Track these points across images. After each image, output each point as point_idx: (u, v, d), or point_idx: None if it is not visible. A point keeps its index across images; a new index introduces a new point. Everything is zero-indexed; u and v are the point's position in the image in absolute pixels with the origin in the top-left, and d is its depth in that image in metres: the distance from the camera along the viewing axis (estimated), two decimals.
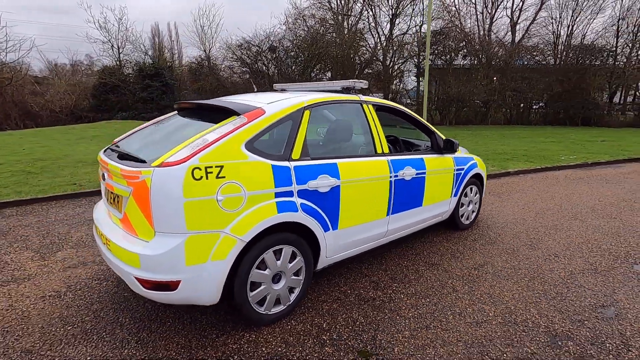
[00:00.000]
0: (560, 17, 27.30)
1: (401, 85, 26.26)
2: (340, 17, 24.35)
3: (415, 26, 24.54)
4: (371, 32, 24.90)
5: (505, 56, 23.44)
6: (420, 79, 24.51)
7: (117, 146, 2.50)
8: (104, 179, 2.43)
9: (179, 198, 1.98)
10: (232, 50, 20.35)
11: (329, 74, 24.94)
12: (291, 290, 2.53)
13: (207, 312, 2.56)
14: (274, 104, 2.48)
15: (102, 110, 21.20)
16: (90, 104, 22.22)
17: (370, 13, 25.03)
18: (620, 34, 25.51)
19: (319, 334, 2.36)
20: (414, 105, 24.42)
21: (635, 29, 24.41)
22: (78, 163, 7.87)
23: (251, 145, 2.24)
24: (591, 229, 4.34)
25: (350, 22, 25.46)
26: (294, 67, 22.32)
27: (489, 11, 26.86)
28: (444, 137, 3.71)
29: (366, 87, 3.14)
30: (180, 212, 1.99)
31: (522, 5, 27.22)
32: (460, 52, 23.08)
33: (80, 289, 2.88)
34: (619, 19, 25.60)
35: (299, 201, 2.41)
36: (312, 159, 2.54)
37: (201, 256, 2.05)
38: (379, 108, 3.21)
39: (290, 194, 2.37)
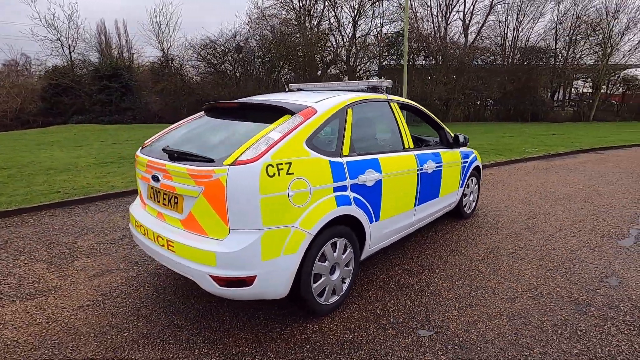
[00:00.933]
0: (506, 21, 29.46)
1: None
2: (302, 18, 24.52)
3: (376, 27, 25.36)
4: (333, 33, 25.32)
5: (460, 57, 24.88)
6: (382, 77, 25.37)
7: (168, 147, 2.47)
8: (156, 181, 2.39)
9: (256, 195, 2.03)
10: (197, 50, 19.77)
11: (293, 74, 25.05)
12: (343, 280, 2.64)
13: (263, 307, 2.60)
14: (322, 102, 2.58)
15: (53, 114, 19.69)
16: (38, 107, 20.53)
17: (333, 14, 25.48)
18: (558, 37, 28.09)
19: (376, 319, 2.50)
20: None
21: (571, 32, 26.96)
22: (49, 170, 7.35)
23: (310, 143, 2.33)
24: (573, 212, 4.86)
25: (313, 22, 25.72)
26: (260, 67, 22.14)
27: (444, 14, 28.39)
28: (452, 133, 3.99)
29: (391, 86, 3.32)
30: (257, 208, 2.04)
31: (473, 10, 29.09)
32: (421, 53, 24.11)
33: (117, 296, 2.79)
34: (557, 23, 28.16)
35: (351, 195, 2.53)
36: (358, 154, 2.67)
37: (275, 251, 2.11)
38: (402, 106, 3.41)
39: (344, 188, 2.49)
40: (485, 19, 29.33)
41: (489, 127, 19.73)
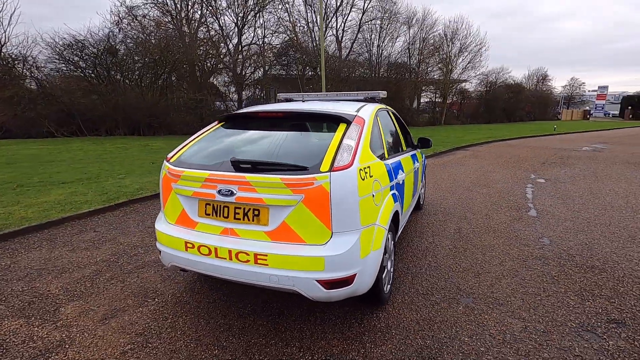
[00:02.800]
0: (371, 39, 33.87)
1: (256, 92, 27.00)
2: (179, 22, 23.07)
3: (262, 38, 25.72)
4: (212, 40, 24.48)
5: (337, 69, 27.38)
6: (274, 87, 25.96)
7: (234, 158, 2.33)
8: (227, 195, 2.25)
9: (356, 197, 2.19)
10: (59, 51, 16.47)
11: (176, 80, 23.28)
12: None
13: (324, 307, 2.70)
14: (362, 111, 2.83)
15: None
16: None
17: (213, 20, 24.72)
18: (411, 54, 33.74)
19: (425, 296, 2.90)
20: None
21: (420, 51, 32.70)
22: None
23: (371, 148, 2.58)
24: (487, 195, 6.21)
25: (192, 27, 24.44)
26: (137, 73, 19.85)
27: (321, 29, 30.78)
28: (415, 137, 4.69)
29: (385, 97, 3.77)
30: (357, 210, 2.19)
31: (345, 27, 32.50)
32: (308, 65, 25.56)
33: (159, 332, 2.46)
34: (409, 44, 33.77)
35: (396, 193, 2.87)
36: (390, 157, 3.02)
37: (367, 248, 2.29)
38: (393, 113, 3.90)
39: (393, 187, 2.81)
40: (356, 37, 33.11)
41: None
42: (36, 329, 2.50)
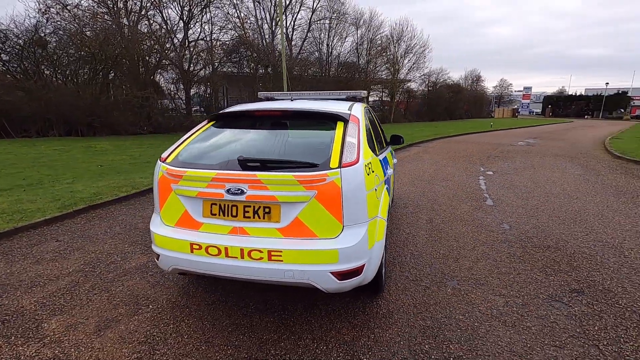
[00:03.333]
0: (320, 38, 34.38)
1: (206, 90, 26.04)
2: (116, 14, 21.48)
3: (210, 34, 24.83)
4: (155, 35, 23.13)
5: (289, 67, 27.41)
6: (223, 84, 25.19)
7: (242, 157, 2.32)
8: (237, 194, 2.24)
9: (364, 191, 2.30)
10: None
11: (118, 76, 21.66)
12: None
13: (326, 300, 2.79)
14: (354, 109, 2.95)
15: None
16: None
17: (155, 12, 23.35)
18: (360, 55, 34.78)
19: (415, 282, 3.11)
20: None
21: (368, 52, 33.86)
22: None
23: (368, 145, 2.71)
24: (447, 188, 6.70)
25: (131, 20, 22.89)
26: (71, 67, 18.12)
27: (270, 27, 30.60)
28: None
29: (366, 96, 3.93)
30: (364, 204, 2.31)
31: (294, 25, 32.59)
32: (260, 63, 25.20)
33: (164, 339, 2.38)
34: (357, 44, 34.78)
35: (387, 186, 3.04)
36: (380, 153, 3.19)
37: (373, 239, 2.42)
38: (373, 112, 4.07)
39: (386, 181, 2.98)
40: (306, 35, 33.37)
41: None
42: (21, 347, 2.29)
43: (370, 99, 37.43)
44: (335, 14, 32.99)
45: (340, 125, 2.63)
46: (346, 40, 35.51)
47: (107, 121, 16.90)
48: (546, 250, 3.80)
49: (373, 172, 2.52)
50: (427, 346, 2.31)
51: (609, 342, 2.35)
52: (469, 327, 2.50)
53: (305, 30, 33.18)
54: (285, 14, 31.40)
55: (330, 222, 2.24)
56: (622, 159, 10.31)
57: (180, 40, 24.04)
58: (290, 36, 33.25)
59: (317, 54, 33.04)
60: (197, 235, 2.37)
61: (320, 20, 33.68)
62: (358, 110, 2.97)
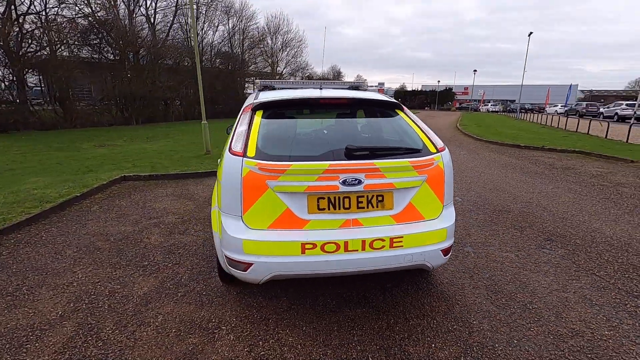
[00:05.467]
0: (188, 25, 31.84)
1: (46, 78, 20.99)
2: None
3: (45, 8, 19.87)
4: None
5: (157, 54, 24.47)
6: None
7: (350, 147, 2.19)
8: (354, 184, 2.14)
9: (453, 173, 2.51)
10: None
11: None
12: None
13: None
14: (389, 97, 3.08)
15: None
16: None
17: None
18: (233, 45, 33.73)
19: None
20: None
21: (242, 43, 33.12)
22: None
23: None
24: None
25: None
26: None
27: (127, 6, 26.67)
28: None
29: (367, 85, 4.05)
30: (452, 184, 2.52)
31: (156, 8, 29.29)
32: (130, 49, 21.72)
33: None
34: (229, 35, 33.61)
35: None
36: None
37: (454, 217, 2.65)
38: None
39: None
40: (173, 20, 30.40)
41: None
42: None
43: (249, 91, 36.80)
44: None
45: (400, 113, 2.75)
46: (218, 28, 33.84)
47: None
48: (502, 213, 4.74)
49: None
50: (499, 295, 2.70)
51: (595, 268, 3.20)
52: (496, 272, 3.02)
53: (172, 16, 30.21)
54: None
55: (435, 203, 2.38)
56: (481, 141, 13.16)
57: (1, 13, 18.64)
58: (153, 21, 29.75)
59: (186, 42, 30.46)
60: (306, 234, 2.17)
61: (185, 5, 31.11)
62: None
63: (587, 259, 3.39)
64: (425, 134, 2.54)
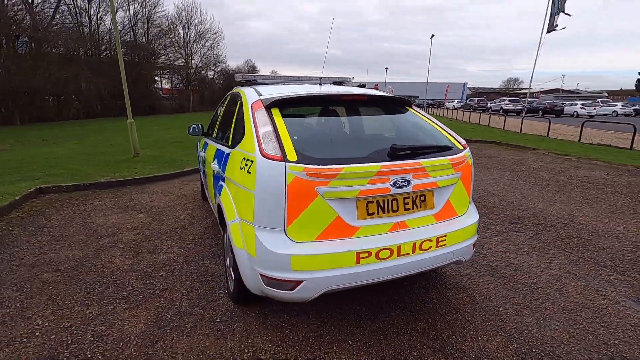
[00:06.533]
0: (78, 8, 27.82)
1: None
2: None
3: None
4: None
5: (40, 38, 20.74)
6: None
7: (396, 147, 2.06)
8: (403, 186, 2.04)
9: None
10: None
11: None
12: None
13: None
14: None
15: None
16: None
17: None
18: (136, 33, 30.47)
19: None
20: None
21: (147, 31, 30.15)
22: None
23: None
24: None
25: None
26: None
27: None
28: None
29: (352, 81, 3.94)
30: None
31: None
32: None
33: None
34: (131, 23, 30.28)
35: None
36: None
37: None
38: None
39: None
40: (59, 3, 26.13)
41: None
42: None
43: (165, 86, 33.63)
44: None
45: (410, 109, 2.74)
46: (117, 14, 30.13)
47: None
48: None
49: None
50: (505, 280, 2.90)
51: (562, 245, 3.65)
52: (505, 261, 3.27)
53: None
54: None
55: (465, 200, 2.43)
56: None
57: None
58: (31, 1, 25.22)
59: (76, 28, 26.48)
60: (359, 241, 2.01)
61: None
62: None
63: (551, 237, 3.86)
64: (446, 131, 2.56)
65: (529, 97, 23.03)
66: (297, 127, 2.24)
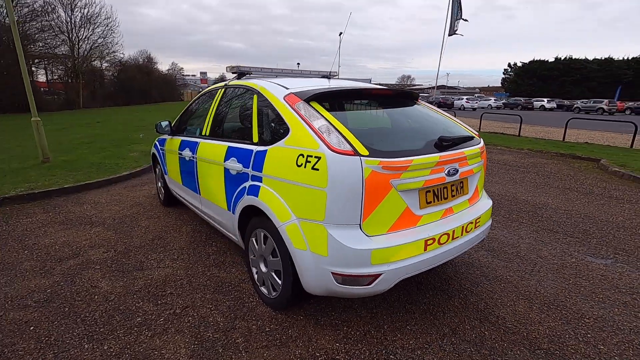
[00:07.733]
0: None
1: None
2: None
3: None
4: None
5: None
6: None
7: (444, 138, 2.18)
8: (453, 174, 2.19)
9: None
10: None
11: None
12: None
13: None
14: None
15: None
16: None
17: None
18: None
19: None
20: None
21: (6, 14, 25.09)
22: None
23: None
24: None
25: None
26: None
27: None
28: None
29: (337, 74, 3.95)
30: None
31: None
32: None
33: None
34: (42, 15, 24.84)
35: None
36: None
37: None
38: None
39: None
40: None
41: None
42: None
43: (42, 78, 28.11)
44: None
45: (421, 103, 2.94)
46: None
47: None
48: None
49: None
50: (513, 259, 3.32)
51: (551, 226, 4.30)
52: (501, 242, 3.72)
53: None
54: None
55: (482, 184, 2.70)
56: None
57: None
58: None
59: None
60: (423, 229, 2.11)
61: None
62: None
63: (507, 213, 4.50)
64: (460, 123, 2.80)
65: (424, 93, 26.01)
66: (348, 120, 2.22)
